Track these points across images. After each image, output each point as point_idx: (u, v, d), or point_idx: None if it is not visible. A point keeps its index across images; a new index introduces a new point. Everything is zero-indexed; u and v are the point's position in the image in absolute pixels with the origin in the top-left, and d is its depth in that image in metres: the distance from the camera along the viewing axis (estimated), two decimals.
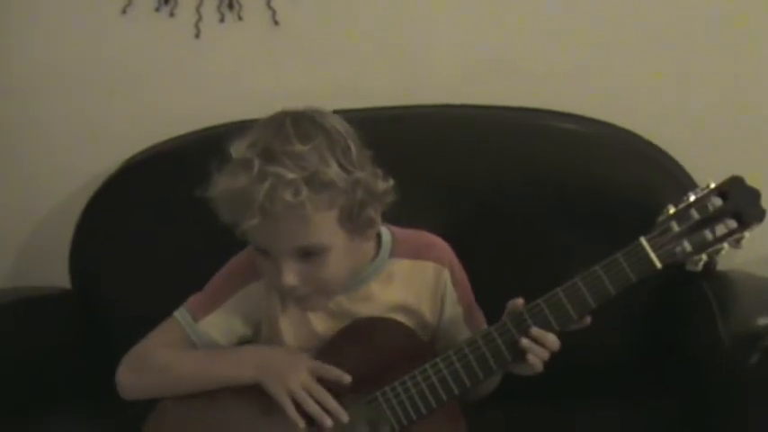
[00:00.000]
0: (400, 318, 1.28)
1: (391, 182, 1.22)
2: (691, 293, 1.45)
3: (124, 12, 1.72)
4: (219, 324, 1.29)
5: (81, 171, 1.79)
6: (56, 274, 1.73)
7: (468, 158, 1.57)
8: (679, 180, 1.53)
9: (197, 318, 1.29)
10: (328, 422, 1.19)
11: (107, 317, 1.68)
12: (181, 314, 1.30)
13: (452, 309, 1.33)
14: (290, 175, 1.10)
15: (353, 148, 1.18)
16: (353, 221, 1.18)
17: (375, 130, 1.48)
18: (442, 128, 1.62)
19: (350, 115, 1.53)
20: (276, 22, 1.70)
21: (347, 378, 1.20)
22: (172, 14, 1.72)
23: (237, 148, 1.15)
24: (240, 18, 1.71)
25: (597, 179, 1.54)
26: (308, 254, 1.17)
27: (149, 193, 1.65)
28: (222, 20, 1.71)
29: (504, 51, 1.67)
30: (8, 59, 1.79)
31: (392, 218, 1.32)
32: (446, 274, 1.32)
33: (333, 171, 1.13)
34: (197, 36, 1.72)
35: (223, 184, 1.15)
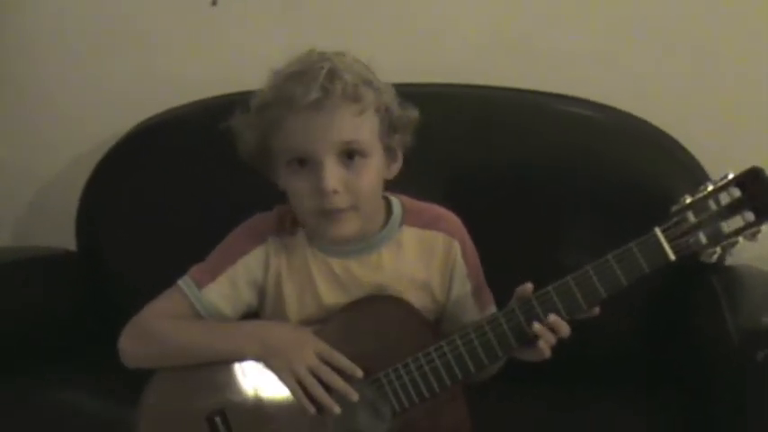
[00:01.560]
0: (410, 291, 1.27)
1: (417, 113, 1.27)
2: (699, 287, 1.44)
3: None
4: (224, 291, 1.28)
5: (91, 134, 1.79)
6: (62, 236, 1.73)
7: (480, 140, 1.57)
8: (691, 171, 1.52)
9: (201, 285, 1.27)
10: (337, 409, 1.18)
11: (111, 280, 1.69)
12: (184, 282, 1.28)
13: (461, 284, 1.32)
14: (346, 64, 1.19)
15: None
16: (388, 140, 1.23)
17: None
18: (455, 107, 1.61)
19: None
20: None
21: (359, 372, 1.19)
22: None
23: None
24: None
25: (609, 166, 1.53)
26: (351, 156, 1.18)
27: (159, 159, 1.66)
28: None
29: (522, 33, 1.66)
30: (21, 22, 1.79)
31: (402, 194, 1.33)
32: (456, 246, 1.31)
33: (377, 81, 1.22)
34: (214, 3, 1.71)
35: (279, 75, 1.20)
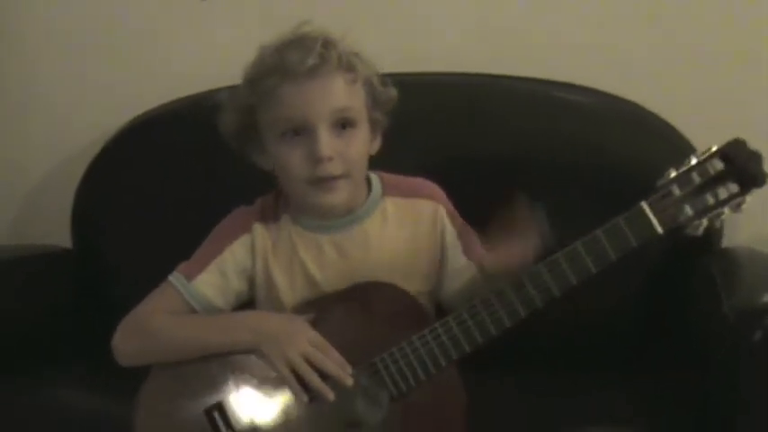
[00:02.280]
0: (398, 261, 1.28)
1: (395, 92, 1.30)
2: (695, 269, 1.45)
3: None
4: (213, 281, 1.29)
5: (84, 131, 1.80)
6: (57, 234, 1.74)
7: (471, 128, 1.58)
8: (687, 155, 1.48)
9: (190, 278, 1.28)
10: (331, 396, 1.18)
11: (107, 277, 1.69)
12: (174, 277, 1.30)
13: (453, 246, 1.33)
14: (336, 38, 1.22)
15: None
16: (373, 112, 1.27)
17: None
18: (446, 96, 1.62)
19: None
20: None
21: (349, 381, 1.19)
22: None
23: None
24: None
25: (603, 151, 1.54)
26: (344, 124, 1.22)
27: (152, 155, 1.66)
28: None
29: (511, 20, 1.67)
30: (12, 19, 1.80)
31: None
32: (441, 210, 1.33)
33: (363, 57, 1.25)
34: None
35: (271, 48, 1.23)
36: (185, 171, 1.52)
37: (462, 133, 1.58)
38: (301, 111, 1.20)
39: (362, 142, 1.24)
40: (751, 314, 1.20)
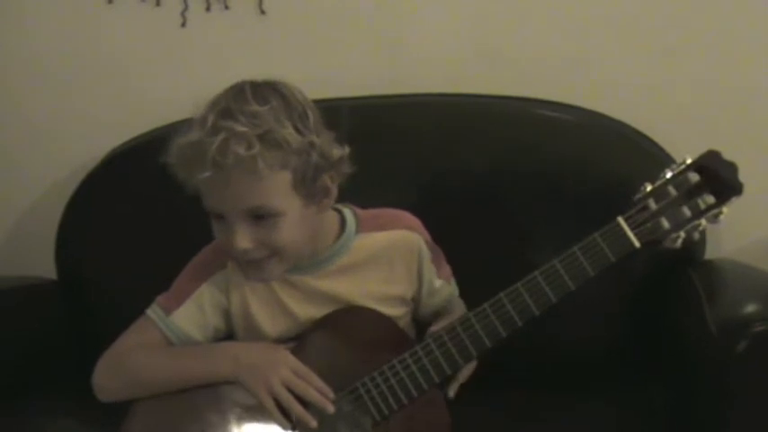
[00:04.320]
0: (374, 295, 1.27)
1: (347, 150, 1.22)
2: (678, 282, 1.44)
3: (110, 1, 1.73)
4: (191, 315, 1.27)
5: (66, 161, 1.79)
6: (42, 265, 1.73)
7: (458, 147, 1.57)
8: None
9: (168, 311, 1.27)
10: (313, 423, 1.17)
11: (93, 307, 1.68)
12: (152, 311, 1.28)
13: (428, 270, 1.33)
14: (243, 129, 1.11)
15: (311, 115, 1.19)
16: (308, 187, 1.18)
17: (364, 119, 1.49)
18: (433, 116, 1.62)
19: (337, 104, 1.55)
20: (263, 11, 1.70)
21: (330, 408, 1.17)
22: (158, 4, 1.72)
23: (197, 111, 1.17)
24: (227, 7, 1.71)
25: (587, 168, 1.54)
26: (261, 216, 1.16)
27: (135, 184, 1.65)
28: (208, 9, 1.72)
29: (496, 40, 1.67)
30: None
31: (381, 205, 1.34)
32: (418, 238, 1.32)
33: (287, 131, 1.13)
34: (183, 25, 1.73)
35: (178, 141, 1.16)
36: (169, 199, 1.51)
37: (446, 151, 1.57)
38: (215, 204, 1.17)
39: (290, 227, 1.18)
40: (735, 325, 1.20)
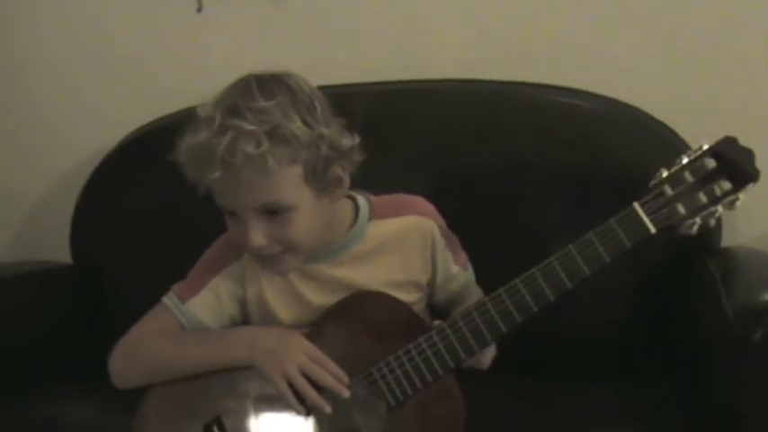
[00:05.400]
0: (390, 281, 1.27)
1: (357, 139, 1.21)
2: (694, 269, 1.44)
3: None
4: (207, 303, 1.28)
5: (81, 147, 1.81)
6: (57, 250, 1.74)
7: (473, 133, 1.57)
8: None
9: (184, 299, 1.28)
10: (328, 409, 1.17)
11: (108, 292, 1.69)
12: (168, 298, 1.29)
13: (443, 256, 1.33)
14: (251, 127, 1.10)
15: (319, 106, 1.18)
16: (319, 179, 1.17)
17: (381, 105, 1.49)
18: (447, 103, 1.62)
19: (351, 90, 1.55)
20: None
21: (345, 393, 1.18)
22: None
23: (203, 108, 1.16)
24: None
25: (603, 154, 1.53)
26: (274, 212, 1.16)
27: (149, 170, 1.65)
28: None
29: (512, 27, 1.67)
30: (8, 37, 1.81)
31: (394, 192, 1.34)
32: (432, 224, 1.32)
33: (295, 126, 1.13)
34: (198, 10, 1.73)
35: (187, 141, 1.16)
36: (182, 184, 1.51)
37: (460, 137, 1.58)
38: (228, 202, 1.18)
39: (303, 220, 1.17)
40: (751, 313, 1.19)
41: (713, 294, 1.30)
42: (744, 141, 1.16)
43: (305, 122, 1.14)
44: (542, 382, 1.38)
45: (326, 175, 1.18)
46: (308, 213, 1.18)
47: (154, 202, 1.66)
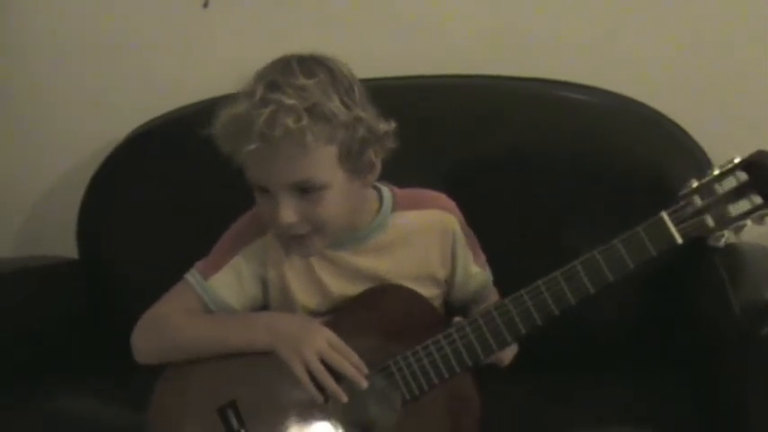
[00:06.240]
0: (410, 273, 1.28)
1: (393, 125, 1.22)
2: (701, 265, 1.45)
3: None
4: (229, 281, 1.28)
5: (87, 142, 1.80)
6: (63, 245, 1.74)
7: (480, 130, 1.57)
8: (693, 154, 1.53)
9: (206, 276, 1.28)
10: (344, 398, 1.18)
11: (114, 286, 1.69)
12: (191, 275, 1.29)
13: (464, 254, 1.34)
14: (292, 101, 1.11)
15: (357, 89, 1.19)
16: (353, 161, 1.18)
17: (387, 101, 1.46)
18: (455, 98, 1.61)
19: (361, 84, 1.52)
20: None
21: (363, 383, 1.19)
22: None
23: (243, 85, 1.16)
24: None
25: (611, 151, 1.53)
26: (306, 190, 1.16)
27: (155, 164, 1.66)
28: None
29: (519, 22, 1.66)
30: (14, 31, 1.79)
31: (404, 185, 1.33)
32: (453, 219, 1.33)
33: (334, 105, 1.14)
34: (205, 6, 1.71)
35: (225, 113, 1.15)
36: (189, 178, 1.51)
37: (467, 133, 1.57)
38: (261, 177, 1.17)
39: (334, 201, 1.18)
40: (758, 309, 1.20)
41: (720, 290, 1.31)
42: (750, 137, 1.16)
43: (343, 103, 1.15)
44: (556, 378, 1.39)
45: (361, 158, 1.19)
46: (338, 195, 1.18)
47: (161, 197, 1.65)
